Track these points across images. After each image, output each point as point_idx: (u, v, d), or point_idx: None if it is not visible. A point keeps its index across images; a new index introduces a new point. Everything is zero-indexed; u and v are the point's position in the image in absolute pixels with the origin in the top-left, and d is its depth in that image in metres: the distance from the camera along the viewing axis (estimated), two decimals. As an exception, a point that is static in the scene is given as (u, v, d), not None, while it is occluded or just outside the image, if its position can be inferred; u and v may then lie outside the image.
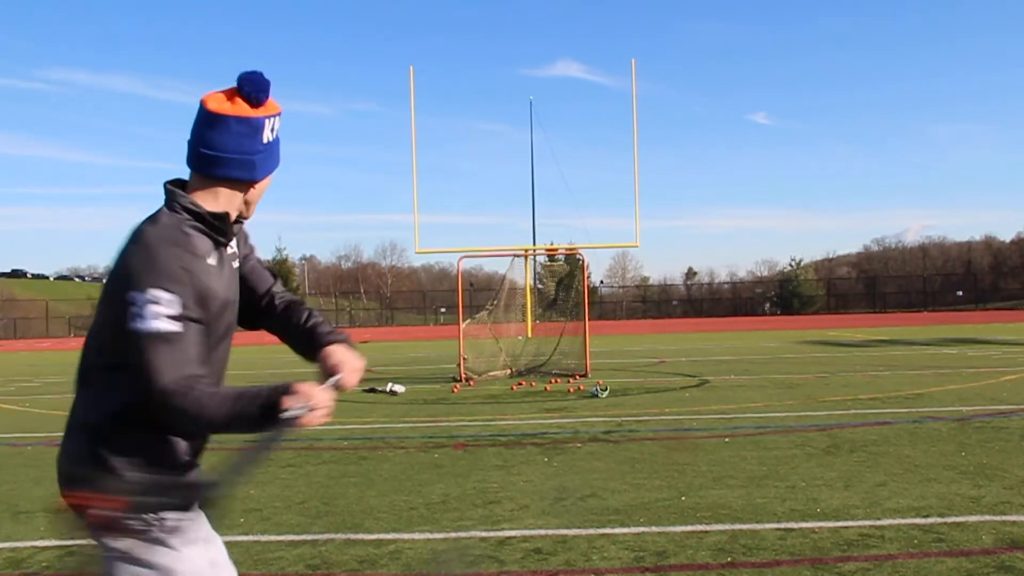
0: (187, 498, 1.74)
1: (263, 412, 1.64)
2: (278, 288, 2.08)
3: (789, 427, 7.69)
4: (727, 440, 7.07)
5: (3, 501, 5.58)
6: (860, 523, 4.38)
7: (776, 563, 3.78)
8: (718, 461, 6.14)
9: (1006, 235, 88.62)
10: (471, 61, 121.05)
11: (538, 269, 18.84)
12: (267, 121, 1.81)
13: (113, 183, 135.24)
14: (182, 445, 1.79)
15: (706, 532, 4.31)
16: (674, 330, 36.49)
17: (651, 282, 78.24)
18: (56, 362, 24.51)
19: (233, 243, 1.90)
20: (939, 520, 4.39)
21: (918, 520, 4.40)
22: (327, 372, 1.81)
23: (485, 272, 53.34)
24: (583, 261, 15.42)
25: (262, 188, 1.87)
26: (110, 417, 1.72)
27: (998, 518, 4.40)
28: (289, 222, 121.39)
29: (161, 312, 1.62)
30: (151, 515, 1.68)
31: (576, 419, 8.63)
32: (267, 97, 1.79)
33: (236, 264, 1.91)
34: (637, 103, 15.00)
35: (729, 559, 3.85)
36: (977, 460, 5.91)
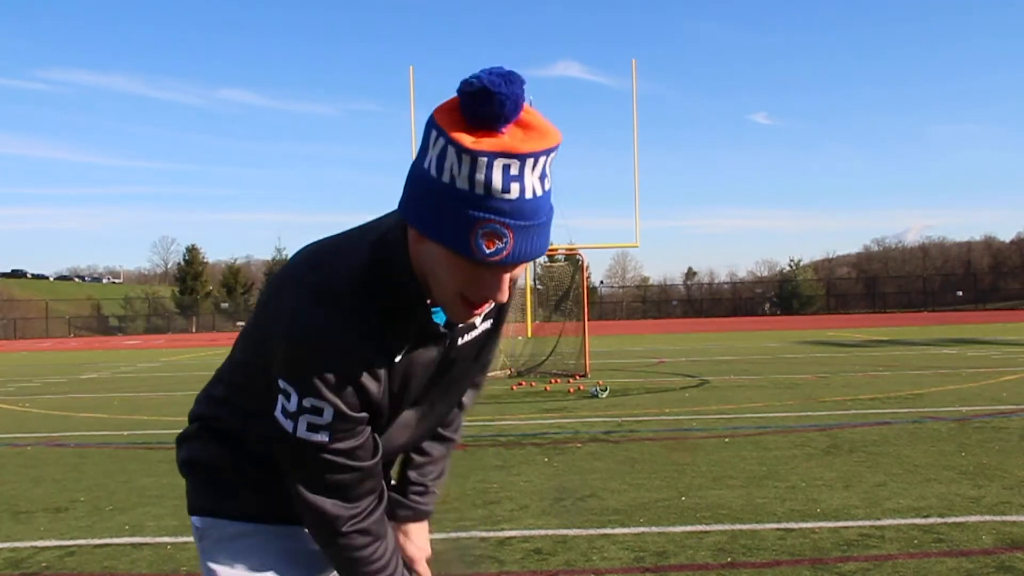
0: None
1: None
2: (464, 407, 1.70)
3: (789, 427, 7.68)
4: (727, 440, 7.07)
5: (3, 501, 5.58)
6: (860, 523, 4.38)
7: (776, 563, 3.78)
8: (718, 461, 6.14)
9: (1006, 235, 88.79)
10: (471, 61, 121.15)
11: (538, 269, 18.80)
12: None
13: (113, 183, 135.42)
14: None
15: (706, 532, 4.31)
16: (674, 330, 36.49)
17: (651, 282, 78.29)
18: (56, 362, 24.51)
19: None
20: (939, 520, 4.39)
21: (918, 520, 4.40)
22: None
23: (485, 272, 53.28)
24: (583, 261, 15.42)
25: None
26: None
27: (998, 518, 4.40)
28: (289, 222, 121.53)
29: (317, 423, 1.32)
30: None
31: (576, 419, 8.63)
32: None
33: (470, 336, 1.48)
34: (637, 103, 15.00)
35: (729, 559, 3.85)
36: (977, 460, 5.91)
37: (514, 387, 12.28)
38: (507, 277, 1.20)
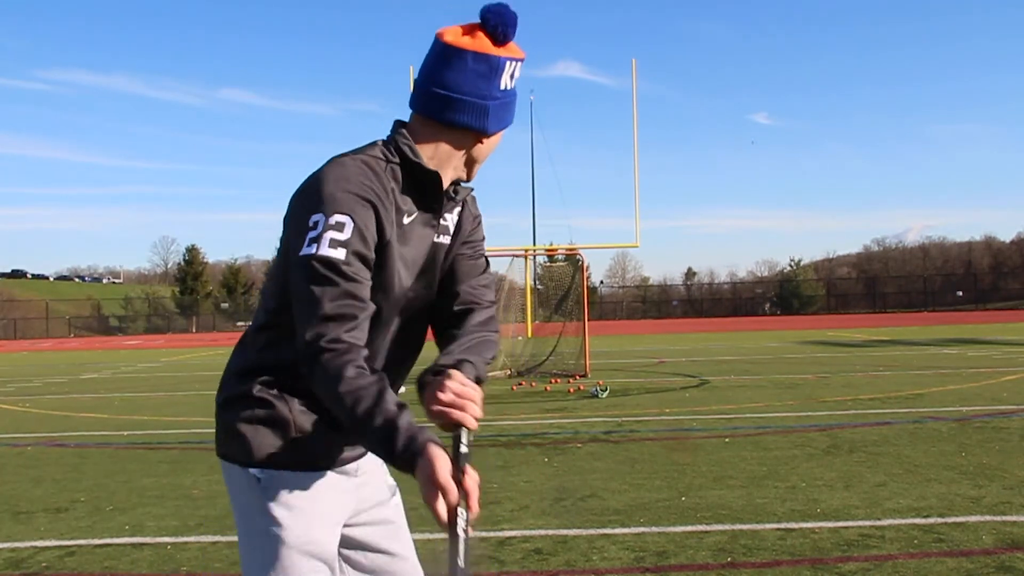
0: None
1: (383, 446, 1.36)
2: (483, 305, 1.68)
3: (789, 427, 7.68)
4: (727, 440, 7.07)
5: (3, 501, 5.58)
6: (860, 523, 4.38)
7: (776, 563, 3.78)
8: (718, 461, 6.14)
9: (1006, 235, 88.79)
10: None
11: (538, 270, 18.80)
12: (508, 63, 1.51)
13: (113, 183, 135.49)
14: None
15: (706, 532, 4.31)
16: (674, 330, 36.49)
17: (651, 282, 78.26)
18: (56, 362, 24.52)
19: (454, 214, 1.65)
20: (939, 520, 4.39)
21: (918, 520, 4.40)
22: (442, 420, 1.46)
23: (485, 272, 53.34)
24: (583, 261, 15.42)
25: (491, 145, 1.59)
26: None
27: (998, 518, 4.40)
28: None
29: (338, 239, 1.40)
30: None
31: (576, 419, 8.63)
32: (513, 34, 1.51)
33: (444, 240, 1.64)
34: (637, 103, 14.99)
35: (729, 559, 3.85)
36: (977, 460, 5.90)
37: (514, 387, 12.28)
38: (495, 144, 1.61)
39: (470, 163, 1.59)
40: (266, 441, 1.54)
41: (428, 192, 1.54)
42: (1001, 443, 6.55)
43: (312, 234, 1.40)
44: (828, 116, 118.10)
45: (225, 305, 65.79)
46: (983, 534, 4.12)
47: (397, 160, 1.52)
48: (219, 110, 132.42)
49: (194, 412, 10.37)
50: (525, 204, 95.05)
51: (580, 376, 13.41)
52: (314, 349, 1.39)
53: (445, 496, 1.29)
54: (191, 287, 66.65)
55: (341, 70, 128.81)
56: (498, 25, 1.48)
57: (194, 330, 61.65)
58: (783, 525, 4.39)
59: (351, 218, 1.40)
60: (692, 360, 17.17)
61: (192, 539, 4.45)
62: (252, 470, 1.55)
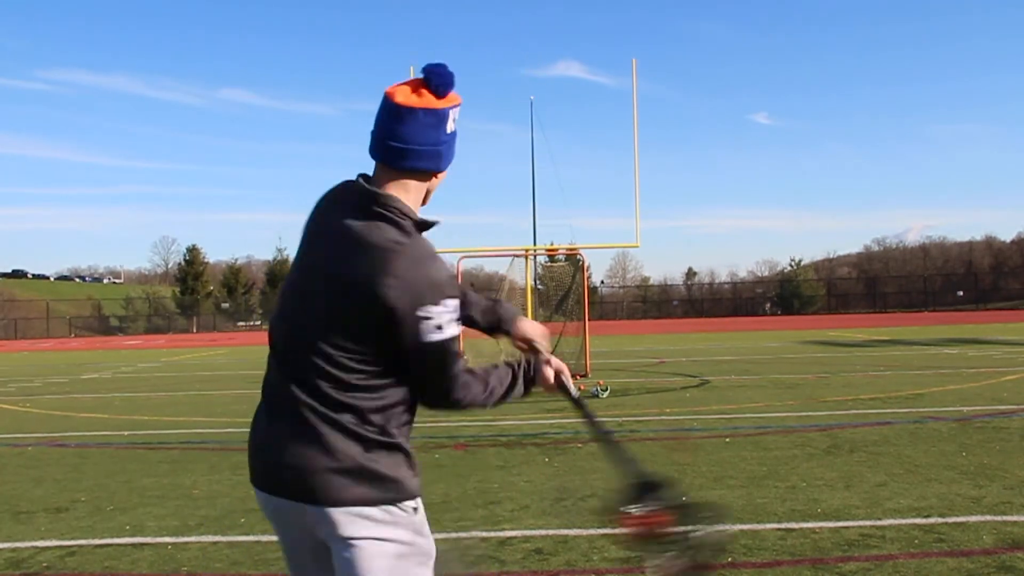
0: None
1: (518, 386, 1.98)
2: None
3: (790, 427, 7.68)
4: (727, 440, 7.07)
5: (4, 501, 5.58)
6: (861, 523, 4.38)
7: (777, 563, 3.78)
8: (718, 461, 6.14)
9: (1007, 235, 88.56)
10: (472, 61, 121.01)
11: (538, 269, 18.81)
12: (451, 111, 1.82)
13: (113, 183, 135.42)
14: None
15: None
16: (674, 330, 36.49)
17: (651, 282, 78.18)
18: (57, 362, 24.53)
19: None
20: (940, 520, 4.39)
21: (919, 520, 4.40)
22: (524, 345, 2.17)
23: (486, 272, 53.30)
24: (583, 261, 15.42)
25: (442, 178, 1.90)
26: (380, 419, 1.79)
27: (999, 518, 4.40)
28: (290, 222, 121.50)
29: (453, 319, 1.73)
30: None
31: (577, 419, 8.62)
32: (452, 88, 1.81)
33: None
34: (638, 103, 14.98)
35: (730, 559, 3.85)
36: (978, 460, 5.91)
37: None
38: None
39: (427, 194, 1.89)
40: (409, 474, 1.81)
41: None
42: (1001, 443, 6.55)
43: (437, 321, 1.70)
44: (828, 116, 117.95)
45: (226, 305, 65.75)
46: (983, 534, 4.12)
47: (413, 225, 1.79)
48: (219, 110, 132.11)
49: (194, 412, 10.37)
50: (525, 204, 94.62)
51: (581, 376, 13.41)
52: (456, 405, 1.79)
53: (561, 373, 2.10)
54: (192, 287, 66.60)
55: (341, 70, 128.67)
56: (439, 85, 1.78)
57: (195, 330, 61.65)
58: (783, 525, 4.39)
59: (455, 299, 1.74)
60: (692, 360, 17.17)
61: (192, 539, 4.45)
62: (409, 502, 1.78)
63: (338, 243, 1.73)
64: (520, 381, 1.96)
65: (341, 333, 1.70)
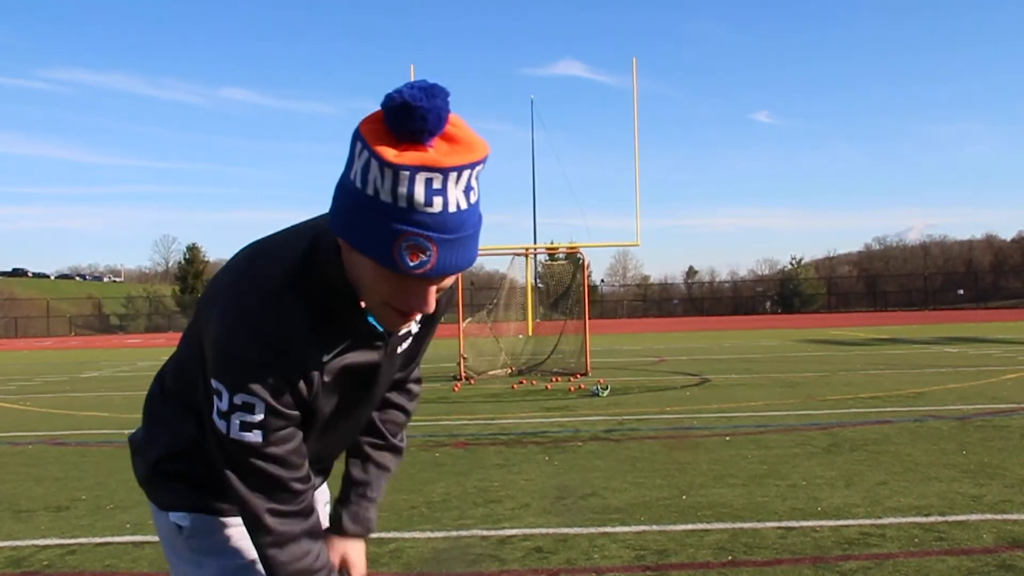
0: None
1: None
2: (402, 384, 1.74)
3: (790, 426, 7.68)
4: (728, 439, 7.07)
5: (4, 500, 5.58)
6: (861, 522, 4.38)
7: (777, 562, 3.78)
8: (719, 460, 6.14)
9: (1007, 234, 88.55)
10: (472, 60, 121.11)
11: (538, 268, 18.83)
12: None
13: (114, 182, 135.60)
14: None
15: (707, 531, 4.31)
16: (675, 329, 36.48)
17: (652, 281, 78.20)
18: (57, 361, 24.53)
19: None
20: (940, 519, 4.39)
21: (919, 519, 4.40)
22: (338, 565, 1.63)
23: (486, 271, 53.29)
24: (584, 260, 15.42)
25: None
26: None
27: (999, 517, 4.40)
28: (290, 221, 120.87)
29: (245, 419, 1.35)
30: None
31: (577, 418, 8.63)
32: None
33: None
34: (638, 102, 14.99)
35: (730, 558, 3.85)
36: (978, 459, 5.90)
37: (515, 386, 12.27)
38: (432, 289, 1.22)
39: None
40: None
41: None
42: (1002, 441, 6.55)
43: (220, 404, 1.30)
44: (830, 115, 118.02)
45: (226, 304, 65.76)
46: (984, 532, 4.12)
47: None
48: (220, 109, 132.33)
49: (195, 411, 10.36)
50: (526, 202, 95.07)
51: (581, 375, 13.41)
52: (240, 500, 1.36)
53: None
54: (192, 286, 66.58)
55: (341, 70, 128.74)
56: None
57: (195, 329, 61.59)
58: (784, 524, 4.39)
59: (260, 400, 1.30)
60: (693, 359, 17.17)
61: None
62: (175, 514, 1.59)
63: None
64: None
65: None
